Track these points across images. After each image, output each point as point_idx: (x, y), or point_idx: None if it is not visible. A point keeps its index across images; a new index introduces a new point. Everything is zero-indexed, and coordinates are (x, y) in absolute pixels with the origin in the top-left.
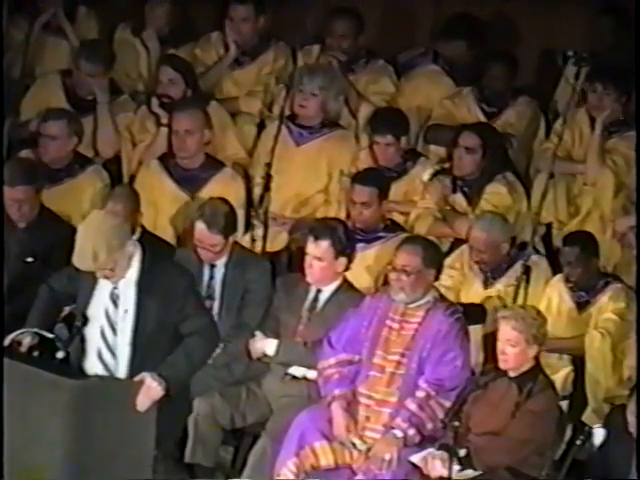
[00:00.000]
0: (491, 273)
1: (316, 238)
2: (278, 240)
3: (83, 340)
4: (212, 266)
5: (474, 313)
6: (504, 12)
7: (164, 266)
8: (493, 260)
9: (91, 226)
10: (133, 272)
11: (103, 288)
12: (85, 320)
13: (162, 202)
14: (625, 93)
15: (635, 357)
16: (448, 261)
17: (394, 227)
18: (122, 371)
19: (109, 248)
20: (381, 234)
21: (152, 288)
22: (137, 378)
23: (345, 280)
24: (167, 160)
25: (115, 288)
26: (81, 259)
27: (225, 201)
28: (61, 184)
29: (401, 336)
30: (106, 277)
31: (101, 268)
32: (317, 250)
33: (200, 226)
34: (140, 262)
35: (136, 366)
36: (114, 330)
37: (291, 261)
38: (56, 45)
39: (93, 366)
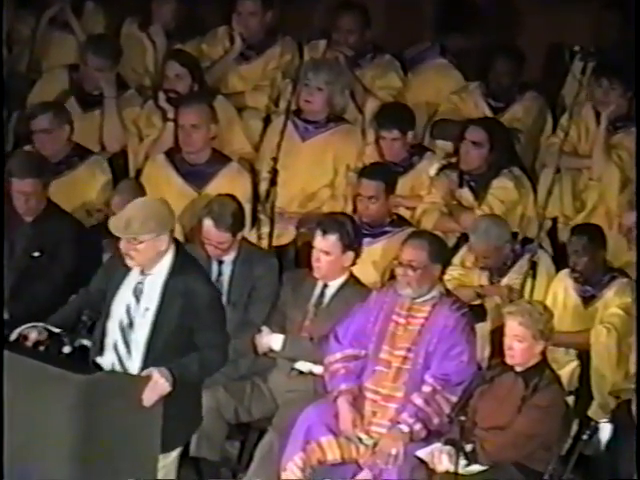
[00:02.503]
0: (496, 269)
1: (324, 232)
2: (285, 235)
3: (104, 334)
4: (220, 262)
5: (474, 312)
6: (511, 6)
7: (195, 272)
8: (497, 262)
9: (140, 201)
10: (162, 271)
11: (129, 282)
12: (91, 315)
13: (168, 197)
14: (631, 88)
15: (635, 353)
16: (457, 259)
17: (400, 222)
18: (134, 366)
19: (143, 223)
20: (387, 229)
21: (178, 291)
22: (144, 373)
23: (351, 275)
24: (173, 155)
25: (140, 283)
26: (115, 222)
27: (233, 198)
28: (62, 177)
29: (407, 331)
30: (129, 257)
31: (128, 236)
32: (325, 244)
33: (208, 223)
34: (171, 263)
35: (149, 364)
36: (132, 324)
37: (298, 256)
38: (63, 40)
39: (108, 358)
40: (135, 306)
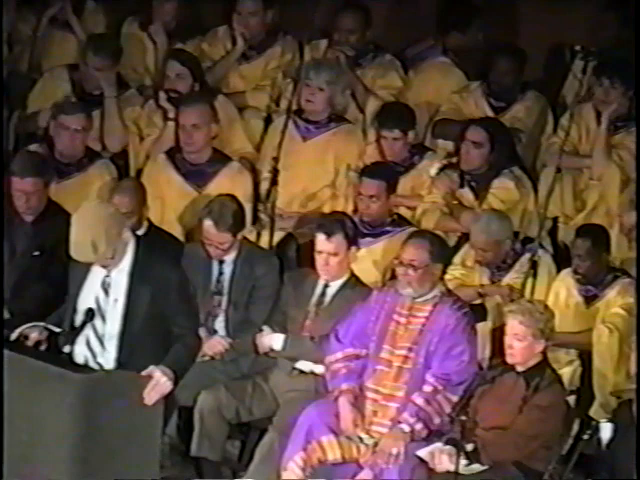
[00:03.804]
0: (497, 268)
1: (328, 235)
2: (285, 234)
3: (74, 329)
4: (221, 262)
5: (475, 311)
6: (513, 5)
7: (158, 256)
8: (497, 258)
9: (87, 217)
10: (126, 261)
11: (95, 276)
12: (92, 314)
13: (169, 196)
14: (632, 87)
15: (635, 353)
16: (457, 258)
17: (401, 221)
18: (110, 359)
19: (108, 237)
20: (388, 228)
21: (144, 278)
22: (146, 372)
23: (352, 274)
24: (174, 154)
25: (107, 276)
26: (80, 251)
27: (233, 198)
28: (70, 178)
29: (408, 330)
30: (104, 266)
31: (101, 258)
32: (331, 246)
33: (208, 224)
34: (134, 251)
35: (125, 355)
36: (103, 318)
37: (299, 255)
38: (63, 39)
39: (81, 354)
40: (105, 299)
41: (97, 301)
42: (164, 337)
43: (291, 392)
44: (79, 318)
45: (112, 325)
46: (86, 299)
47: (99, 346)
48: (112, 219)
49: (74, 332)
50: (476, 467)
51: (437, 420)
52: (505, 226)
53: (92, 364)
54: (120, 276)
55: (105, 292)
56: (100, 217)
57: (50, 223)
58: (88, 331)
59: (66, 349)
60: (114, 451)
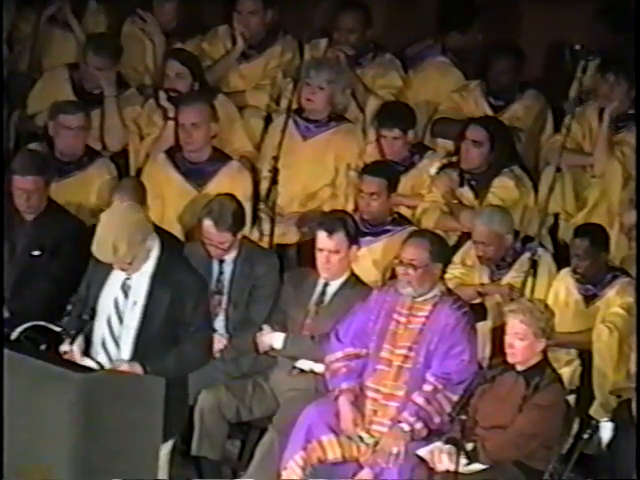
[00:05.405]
0: (497, 267)
1: (330, 232)
2: (287, 234)
3: (90, 330)
4: (221, 261)
5: (475, 310)
6: (512, 4)
7: (181, 263)
8: (498, 253)
9: (114, 218)
10: (149, 265)
11: (116, 278)
12: (93, 313)
13: (169, 195)
14: (634, 87)
15: (635, 352)
16: (457, 257)
17: (401, 220)
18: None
19: (130, 242)
20: (388, 227)
21: (165, 283)
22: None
23: (352, 274)
24: (174, 153)
25: (128, 279)
26: (101, 250)
27: (233, 197)
28: (70, 177)
29: (408, 330)
30: (123, 269)
31: (120, 261)
32: (332, 244)
33: (208, 224)
34: (157, 256)
35: (138, 357)
36: (121, 320)
37: (299, 254)
38: (63, 38)
39: (96, 355)
40: (124, 301)
41: (116, 302)
42: (177, 341)
43: (291, 391)
44: (98, 322)
45: (129, 327)
46: (105, 300)
47: (114, 347)
48: (139, 225)
49: (76, 331)
50: (476, 466)
51: (437, 419)
52: (507, 220)
53: (106, 364)
54: (141, 279)
55: (125, 294)
56: (127, 220)
57: (50, 222)
58: (105, 332)
59: (66, 347)
60: (114, 451)
